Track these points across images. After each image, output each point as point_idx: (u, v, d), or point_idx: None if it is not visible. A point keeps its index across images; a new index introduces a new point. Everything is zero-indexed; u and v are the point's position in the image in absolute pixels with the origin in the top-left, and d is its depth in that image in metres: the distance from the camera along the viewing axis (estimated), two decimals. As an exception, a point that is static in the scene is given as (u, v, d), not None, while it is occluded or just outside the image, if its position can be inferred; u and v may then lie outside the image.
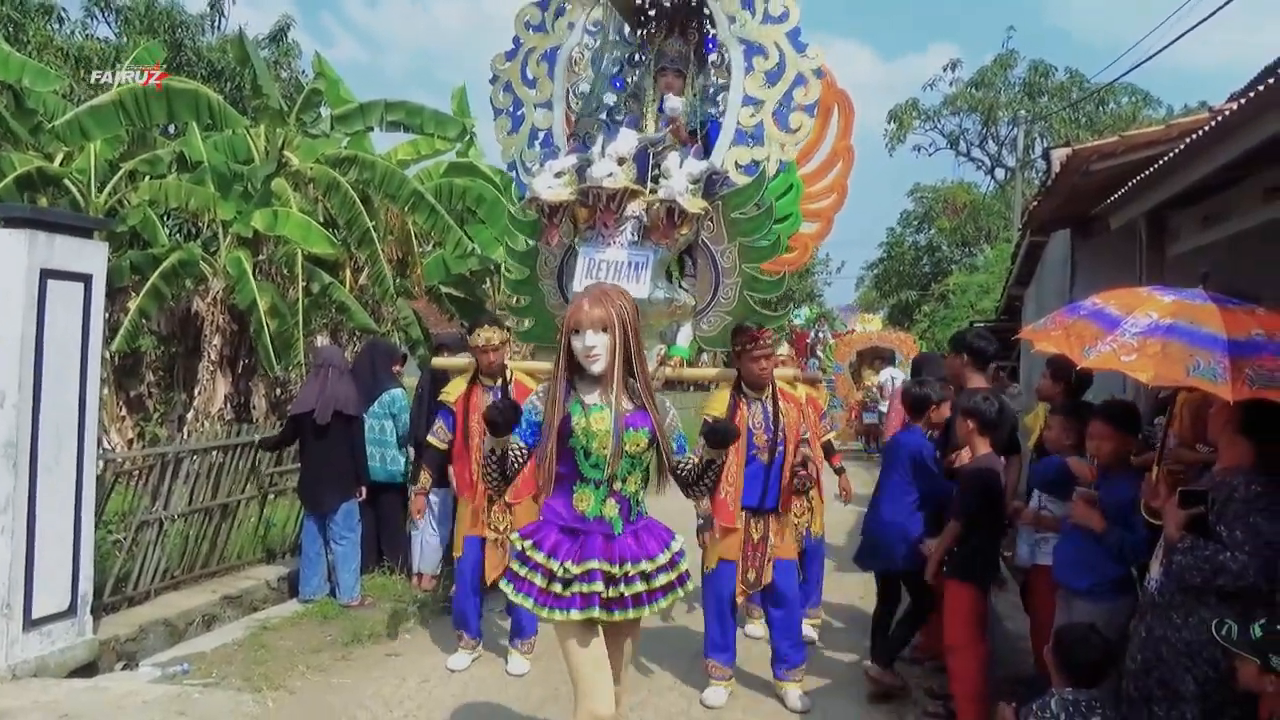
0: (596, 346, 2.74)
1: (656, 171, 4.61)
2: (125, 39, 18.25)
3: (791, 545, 4.68)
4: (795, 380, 4.98)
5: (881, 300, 35.55)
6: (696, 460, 2.90)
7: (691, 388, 5.01)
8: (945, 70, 32.67)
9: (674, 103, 4.80)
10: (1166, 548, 2.82)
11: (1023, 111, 27.64)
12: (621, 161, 4.39)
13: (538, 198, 4.47)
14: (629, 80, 5.13)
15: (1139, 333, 2.70)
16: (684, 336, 4.78)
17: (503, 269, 10.55)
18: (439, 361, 5.71)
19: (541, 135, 5.01)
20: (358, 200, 11.76)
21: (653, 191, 4.48)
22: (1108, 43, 68.34)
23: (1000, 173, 32.75)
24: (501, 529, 4.85)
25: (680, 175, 4.38)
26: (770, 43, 4.69)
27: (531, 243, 5.10)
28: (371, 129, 13.30)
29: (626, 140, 4.48)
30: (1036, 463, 4.52)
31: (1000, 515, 4.18)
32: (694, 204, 4.40)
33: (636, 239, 4.45)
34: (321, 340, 12.32)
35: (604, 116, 5.10)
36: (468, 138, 14.02)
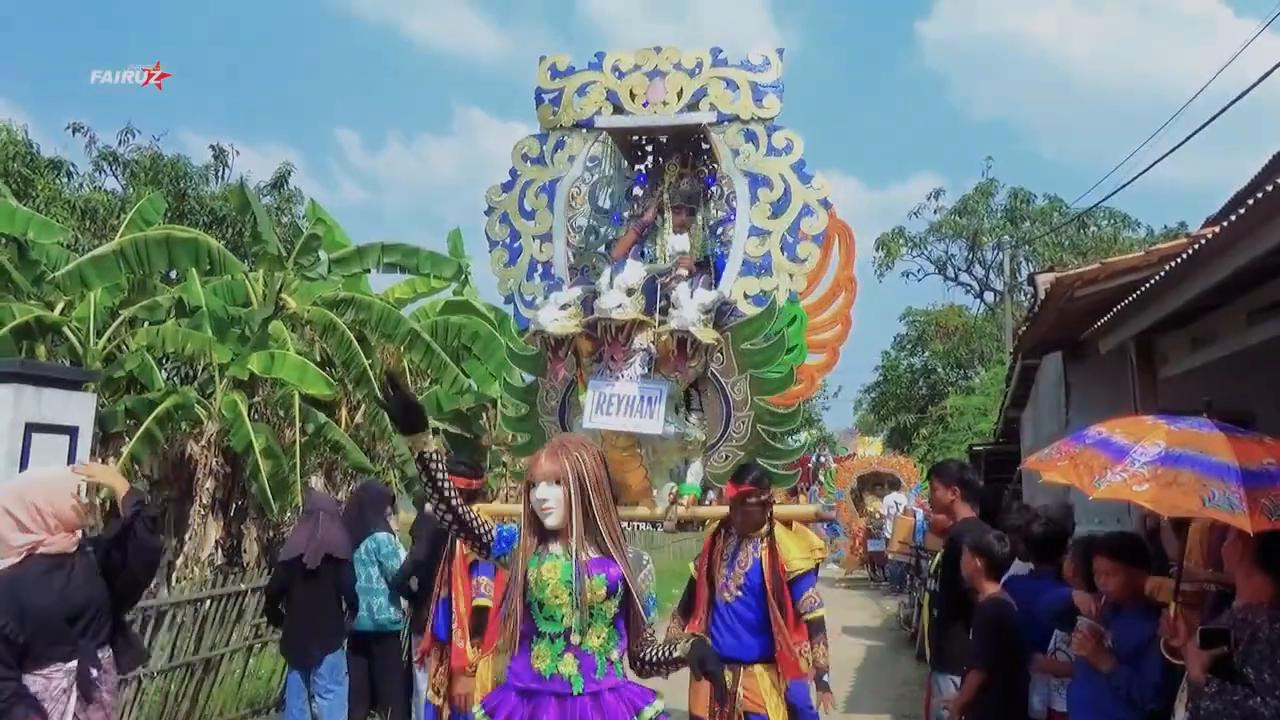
0: (549, 500, 2.70)
1: (664, 303, 4.54)
2: (131, 190, 18.66)
3: (775, 694, 4.32)
4: (817, 518, 4.78)
5: (880, 423, 35.49)
6: (663, 653, 2.80)
7: (701, 527, 4.87)
8: (929, 199, 33.71)
9: (678, 240, 4.79)
10: (1191, 691, 2.72)
11: (1006, 237, 28.32)
12: (630, 292, 4.34)
13: (543, 330, 4.38)
14: (625, 215, 5.14)
15: (1149, 462, 2.69)
16: (694, 473, 4.66)
17: (499, 406, 10.49)
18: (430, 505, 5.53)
19: (541, 267, 4.99)
20: (354, 340, 11.83)
21: (661, 323, 4.43)
22: (1084, 166, 70.71)
23: (989, 295, 33.27)
24: (442, 694, 4.77)
25: (691, 305, 4.33)
26: (775, 174, 4.72)
27: (530, 378, 5.04)
28: (368, 271, 13.49)
29: (634, 271, 4.43)
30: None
31: (1020, 658, 3.95)
32: (706, 334, 4.34)
33: (646, 372, 4.38)
34: (316, 481, 12.16)
35: (603, 249, 5.09)
36: (463, 276, 14.25)
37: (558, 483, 2.71)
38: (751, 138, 4.77)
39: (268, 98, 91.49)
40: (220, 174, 20.50)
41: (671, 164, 5.07)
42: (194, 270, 11.65)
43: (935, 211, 33.34)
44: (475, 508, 4.77)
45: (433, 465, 2.80)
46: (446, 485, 2.81)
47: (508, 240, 5.07)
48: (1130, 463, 2.72)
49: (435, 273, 13.51)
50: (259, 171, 44.03)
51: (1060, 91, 67.69)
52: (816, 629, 4.45)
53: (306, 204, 15.75)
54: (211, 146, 20.70)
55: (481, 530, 2.82)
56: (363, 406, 12.77)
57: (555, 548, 2.74)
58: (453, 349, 13.08)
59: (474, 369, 13.51)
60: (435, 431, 14.21)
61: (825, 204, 4.72)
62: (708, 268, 4.81)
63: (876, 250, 32.57)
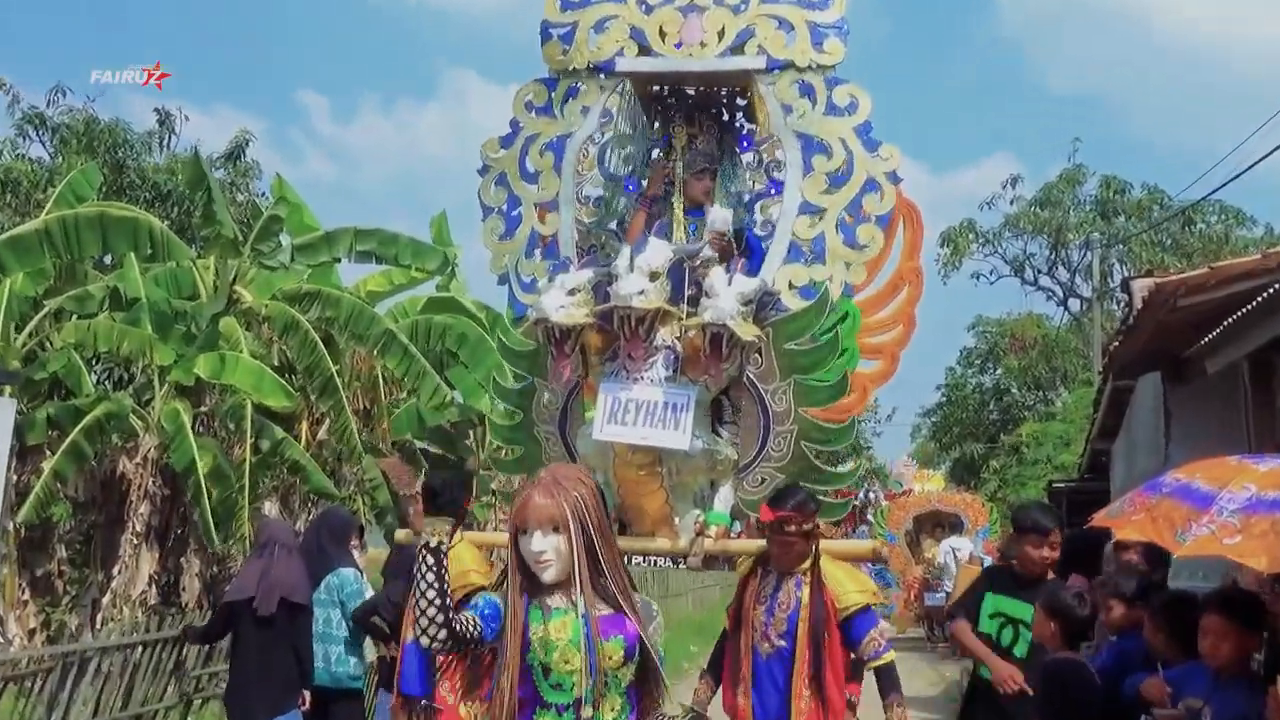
0: (547, 552, 2.65)
1: (692, 291, 4.54)
2: (61, 159, 18.72)
3: None
4: (875, 556, 4.78)
5: (941, 454, 35.30)
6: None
7: (731, 565, 4.81)
8: (1005, 187, 33.33)
9: (720, 214, 4.74)
10: None
11: (1096, 234, 27.92)
12: (654, 277, 4.30)
13: (546, 319, 4.35)
14: (642, 185, 5.15)
15: (1238, 509, 2.74)
16: (724, 499, 4.64)
17: (489, 415, 10.47)
18: (401, 535, 5.53)
19: (544, 243, 4.99)
20: (319, 342, 11.83)
21: (690, 315, 4.43)
22: (1191, 151, 70.13)
23: (1075, 303, 33.01)
24: None
25: (729, 294, 4.28)
26: (835, 139, 4.69)
27: (526, 378, 5.05)
28: (338, 260, 13.51)
29: (659, 251, 4.41)
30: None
31: None
32: (746, 330, 4.30)
33: (670, 373, 4.40)
34: (270, 509, 12.12)
35: (614, 227, 5.14)
36: (449, 269, 14.25)
37: (556, 530, 2.66)
38: (808, 91, 4.74)
39: (222, 54, 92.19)
40: (166, 143, 20.56)
41: (678, 128, 5.09)
42: (132, 255, 11.64)
43: (1011, 202, 33.09)
44: (459, 536, 4.78)
45: (442, 564, 2.69)
46: (447, 593, 2.67)
47: (504, 207, 5.05)
48: (1217, 512, 2.75)
49: (417, 264, 13.51)
50: (211, 140, 44.26)
51: (1161, 63, 67.73)
52: (888, 681, 4.04)
53: (270, 181, 15.74)
54: (156, 110, 20.54)
55: (471, 632, 2.69)
56: (327, 420, 12.76)
57: (557, 599, 2.70)
58: (435, 354, 13.09)
59: (460, 378, 13.50)
60: (414, 451, 14.19)
61: (894, 178, 4.69)
62: (734, 248, 4.80)
63: (941, 247, 32.34)
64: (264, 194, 18.91)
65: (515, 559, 2.70)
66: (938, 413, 36.29)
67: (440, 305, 14.37)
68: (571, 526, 2.65)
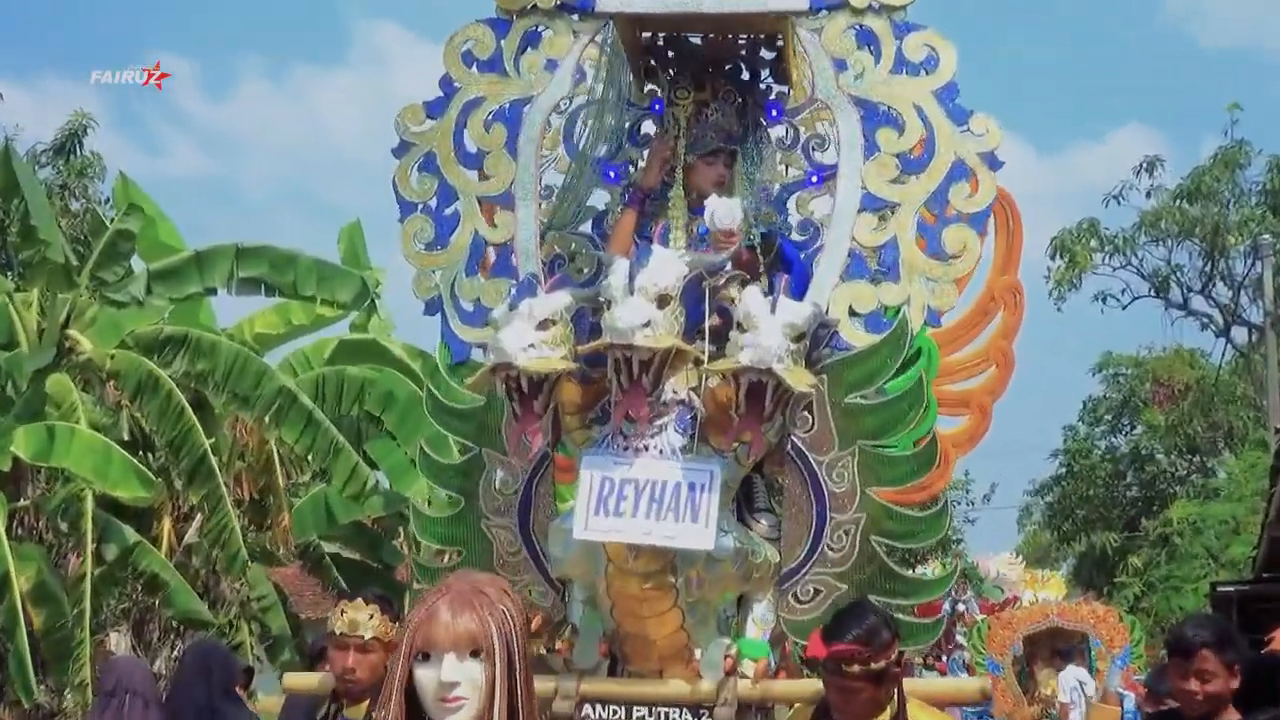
0: (461, 684, 2.55)
1: (714, 320, 4.49)
2: None
3: None
4: (983, 697, 4.77)
5: (1060, 547, 35.22)
6: None
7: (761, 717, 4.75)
8: (1139, 173, 33.12)
9: (724, 205, 4.71)
10: None
11: (1267, 236, 27.96)
12: (663, 302, 4.24)
13: (509, 364, 4.27)
14: (634, 169, 5.25)
15: None
16: (762, 620, 4.65)
17: (413, 505, 10.39)
18: (291, 680, 5.48)
19: (494, 253, 5.04)
20: (187, 407, 11.83)
21: (714, 356, 4.36)
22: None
23: (1239, 333, 32.85)
24: None
25: (774, 326, 4.23)
26: (908, 106, 4.73)
27: (472, 449, 5.03)
28: (213, 291, 13.52)
29: (669, 266, 4.31)
30: None
31: None
32: (800, 378, 4.26)
33: (686, 441, 4.35)
34: (118, 642, 12.03)
35: (590, 229, 5.22)
36: (368, 301, 14.31)
37: (475, 655, 2.59)
38: (868, 40, 4.78)
39: (44, 4, 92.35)
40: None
41: (683, 91, 5.13)
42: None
43: (1149, 194, 32.90)
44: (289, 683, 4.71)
45: None
46: None
47: (434, 203, 5.06)
48: None
49: (323, 294, 13.60)
50: (34, 127, 44.04)
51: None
52: None
53: (115, 182, 15.69)
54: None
55: None
56: (199, 517, 12.69)
57: None
58: (351, 421, 13.15)
59: (385, 454, 13.53)
60: (322, 558, 14.11)
61: (992, 162, 4.73)
62: (760, 259, 4.85)
63: (1053, 258, 32.09)
64: (108, 200, 18.86)
65: (401, 699, 2.62)
66: (1054, 489, 36.17)
67: (357, 352, 14.40)
68: (497, 653, 2.58)
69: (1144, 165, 33.37)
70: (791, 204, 5.10)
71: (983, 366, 5.14)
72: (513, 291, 4.70)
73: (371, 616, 4.58)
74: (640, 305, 4.20)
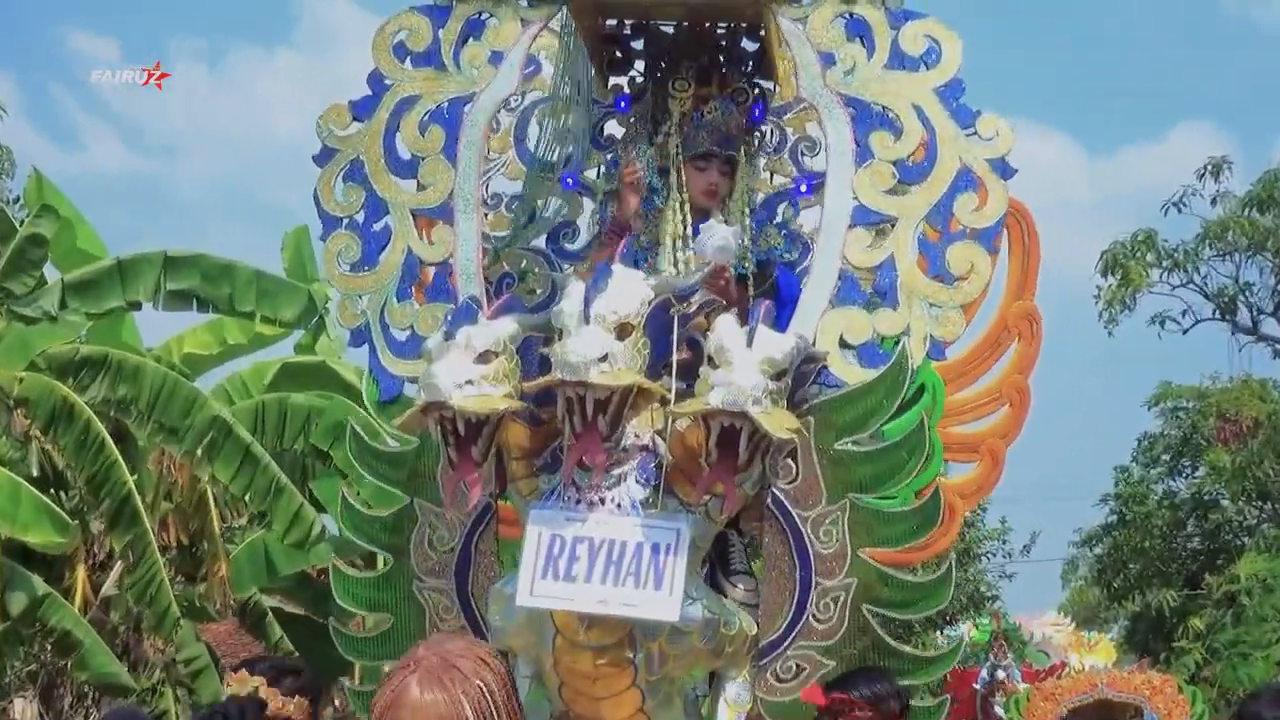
0: None
1: (684, 355, 4.47)
2: None
3: None
4: None
5: (1111, 606, 35.09)
6: None
7: None
8: (1202, 177, 33.14)
9: (720, 233, 4.73)
10: None
11: (1349, 251, 28.09)
12: (624, 332, 4.23)
13: (441, 403, 4.26)
14: (595, 178, 5.37)
15: None
16: (736, 699, 4.62)
17: (332, 563, 10.42)
18: None
19: (431, 273, 5.05)
20: (107, 439, 11.87)
21: (683, 394, 4.36)
22: None
23: (1316, 361, 33.01)
24: None
25: (749, 361, 4.20)
26: (905, 105, 4.74)
27: (403, 499, 5.05)
28: (137, 306, 13.55)
29: (631, 289, 4.31)
30: None
31: None
32: (779, 421, 4.20)
33: (648, 493, 4.33)
34: (23, 710, 12.01)
35: (544, 244, 5.28)
36: (316, 319, 14.40)
37: None
38: (860, 30, 4.79)
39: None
40: None
41: (683, 83, 5.13)
42: None
43: (1214, 202, 32.95)
44: None
45: None
46: None
47: (361, 217, 5.07)
48: None
49: (265, 310, 13.62)
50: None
51: None
52: None
53: (24, 178, 15.73)
54: None
55: None
56: (119, 565, 12.65)
57: None
58: (295, 456, 13.34)
59: (334, 494, 13.23)
60: (263, 614, 14.08)
61: (1004, 171, 4.73)
62: (752, 286, 4.90)
63: (1104, 275, 32.16)
64: (18, 200, 18.86)
65: None
66: (1104, 540, 36.02)
67: (302, 376, 14.50)
68: None
69: (1208, 168, 33.22)
70: (777, 212, 5.18)
71: (994, 406, 5.16)
72: (448, 318, 4.67)
73: (257, 689, 4.58)
74: (596, 335, 4.18)
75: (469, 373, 4.29)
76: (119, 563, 12.81)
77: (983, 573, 35.84)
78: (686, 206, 5.01)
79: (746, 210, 5.07)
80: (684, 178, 5.05)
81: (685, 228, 5.00)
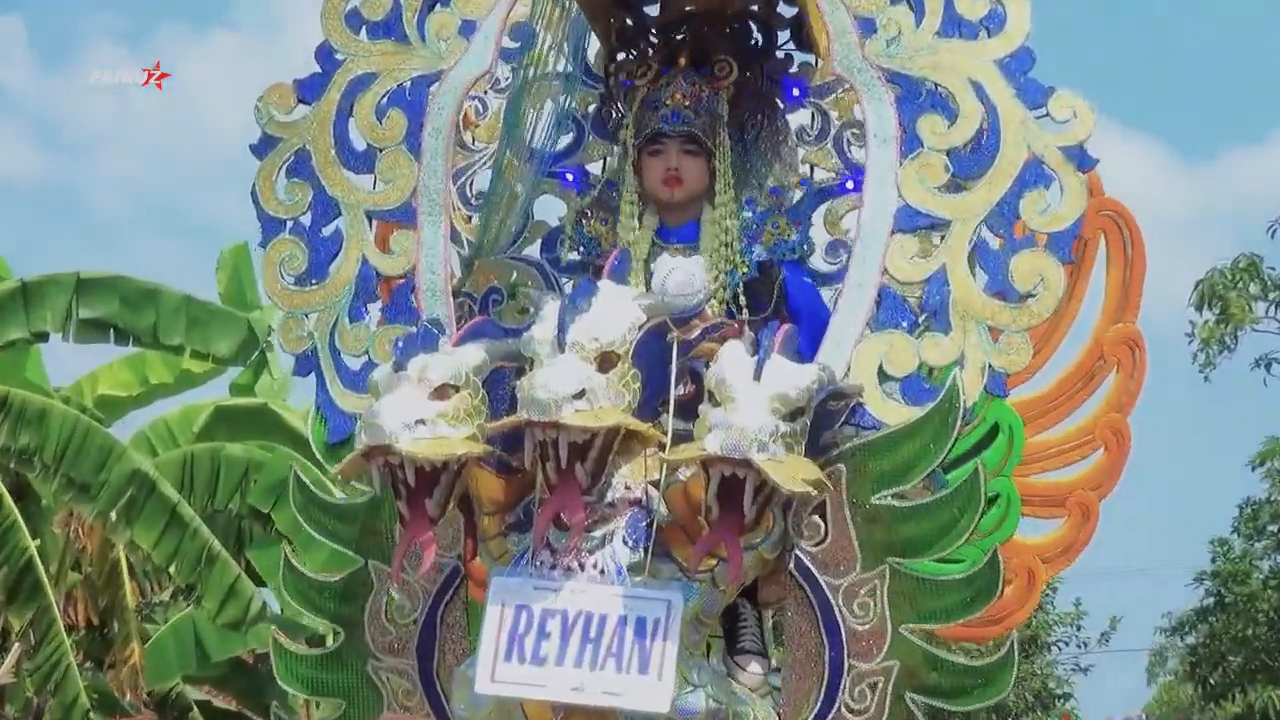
0: None
1: (682, 392, 4.54)
2: None
3: None
4: None
5: (1207, 707, 35.10)
6: None
7: None
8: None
9: (679, 271, 4.83)
10: None
11: None
12: (607, 362, 4.25)
13: (386, 447, 4.21)
14: (605, 166, 5.44)
15: None
16: None
17: (273, 637, 10.46)
18: None
19: (391, 289, 5.07)
20: (6, 495, 12.02)
21: (680, 437, 4.38)
22: None
23: None
24: None
25: (756, 399, 4.18)
26: (962, 82, 4.70)
27: (356, 561, 5.09)
28: (44, 336, 13.59)
29: (616, 311, 4.36)
30: None
31: None
32: (792, 471, 4.16)
33: (639, 557, 4.32)
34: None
35: (540, 255, 5.36)
36: (257, 353, 14.40)
37: None
38: None
39: None
40: None
41: (680, 83, 5.14)
42: None
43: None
44: None
45: None
46: None
47: (307, 219, 5.10)
48: None
49: (195, 343, 13.60)
50: None
51: None
52: None
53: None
54: None
55: None
56: (16, 648, 12.67)
57: None
58: (230, 519, 13.46)
59: (274, 561, 13.32)
60: (188, 709, 14.12)
61: (1082, 161, 4.67)
62: (745, 299, 4.98)
63: (1199, 308, 32.35)
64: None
65: None
66: (1199, 626, 36.19)
67: (240, 422, 14.61)
68: None
69: (1325, 182, 33.52)
70: (818, 219, 5.19)
71: (1085, 450, 5.10)
72: (399, 344, 4.60)
73: None
74: (572, 366, 4.18)
75: (421, 410, 4.28)
76: (17, 644, 12.77)
77: (1053, 665, 35.99)
78: (635, 207, 5.06)
79: (734, 197, 5.07)
80: (639, 170, 5.10)
81: (636, 233, 5.06)
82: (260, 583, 13.28)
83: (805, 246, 5.07)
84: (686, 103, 5.08)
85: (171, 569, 12.59)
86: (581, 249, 5.28)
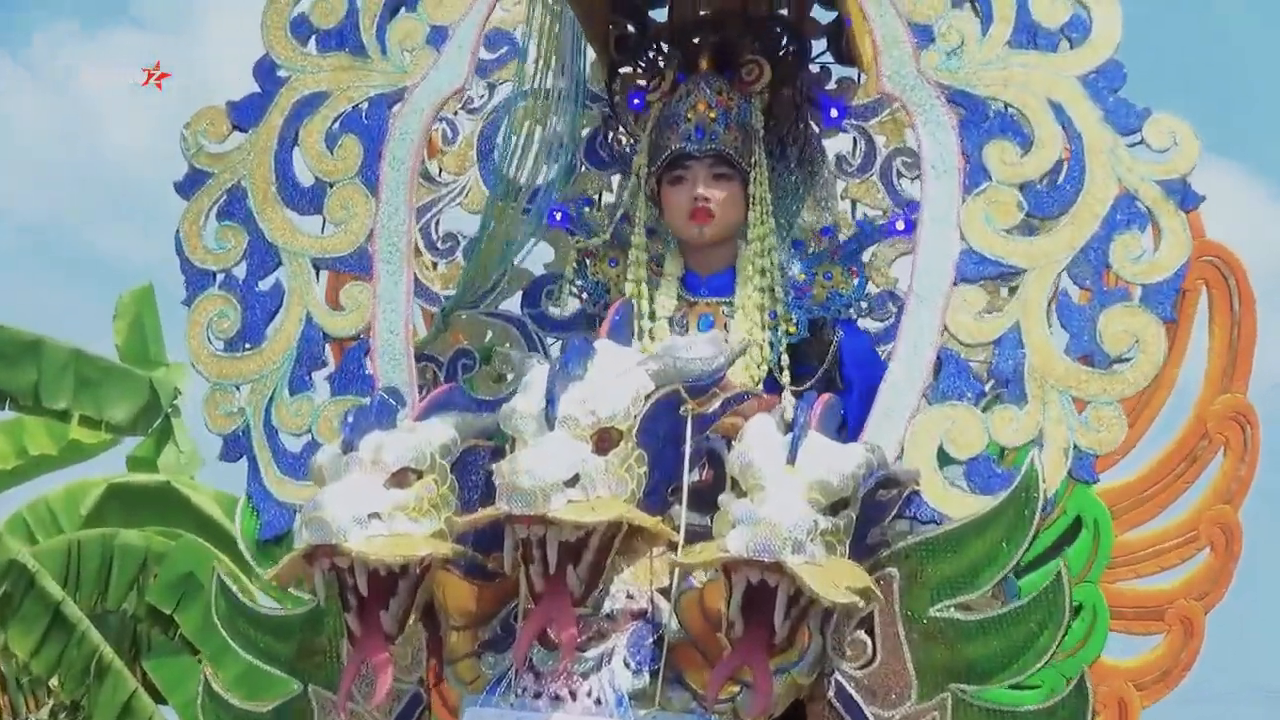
0: None
1: (698, 478, 4.54)
2: None
3: None
4: None
5: None
6: None
7: None
8: None
9: (695, 348, 4.69)
10: None
11: None
12: (605, 441, 4.20)
13: (334, 549, 4.15)
14: (599, 203, 5.46)
15: None
16: None
17: None
18: None
19: (339, 352, 5.10)
20: None
21: (696, 533, 4.37)
22: None
23: None
24: None
25: (788, 486, 4.12)
26: (1038, 102, 4.70)
27: (296, 687, 5.11)
28: None
29: (618, 377, 4.33)
30: None
31: None
32: (832, 579, 4.08)
33: (646, 682, 4.30)
34: None
35: (523, 310, 5.36)
36: (161, 420, 14.47)
37: None
38: None
39: None
40: None
41: (703, 90, 5.18)
42: None
43: None
44: None
45: None
46: None
47: (241, 269, 5.13)
48: None
49: (85, 407, 13.65)
50: None
51: None
52: None
53: None
54: None
55: None
56: None
57: None
58: (124, 622, 13.45)
59: (180, 677, 13.61)
60: None
61: (1185, 198, 4.64)
62: (787, 362, 5.04)
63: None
64: None
65: None
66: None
67: (138, 504, 14.65)
68: None
69: None
70: (865, 261, 5.24)
71: (1187, 551, 5.14)
72: (349, 420, 4.52)
73: None
74: (564, 447, 4.13)
75: (376, 502, 4.22)
76: None
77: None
78: (643, 253, 5.07)
79: (774, 229, 5.09)
80: (658, 204, 5.14)
81: (644, 283, 5.06)
82: (160, 699, 13.21)
83: (865, 303, 5.06)
84: (712, 114, 5.08)
85: (53, 681, 12.71)
86: (587, 295, 5.25)
